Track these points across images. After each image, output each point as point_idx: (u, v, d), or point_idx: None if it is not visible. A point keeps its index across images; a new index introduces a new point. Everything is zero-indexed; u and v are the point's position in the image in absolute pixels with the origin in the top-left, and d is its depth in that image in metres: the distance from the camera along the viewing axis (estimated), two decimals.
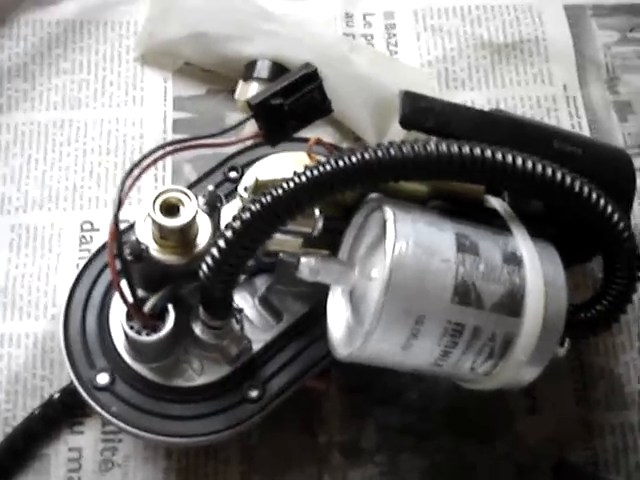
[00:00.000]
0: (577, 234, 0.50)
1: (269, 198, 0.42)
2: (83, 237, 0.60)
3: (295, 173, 0.42)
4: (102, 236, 0.58)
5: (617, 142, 0.65)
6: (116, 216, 0.43)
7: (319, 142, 0.51)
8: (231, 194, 0.55)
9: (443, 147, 0.43)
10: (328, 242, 0.49)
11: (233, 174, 0.56)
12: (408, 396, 0.56)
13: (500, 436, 0.56)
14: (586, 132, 0.65)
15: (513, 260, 0.45)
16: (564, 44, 0.69)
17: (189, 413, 0.49)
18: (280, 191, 0.42)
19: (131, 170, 0.44)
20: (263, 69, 0.61)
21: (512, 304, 0.44)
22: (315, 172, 0.42)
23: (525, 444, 0.55)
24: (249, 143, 0.56)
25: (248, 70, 0.61)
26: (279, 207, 0.42)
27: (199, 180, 0.56)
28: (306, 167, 0.42)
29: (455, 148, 0.43)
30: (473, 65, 0.68)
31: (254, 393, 0.50)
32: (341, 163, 0.42)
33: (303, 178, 0.42)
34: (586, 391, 0.57)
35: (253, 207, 0.42)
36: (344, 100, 0.62)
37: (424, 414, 0.55)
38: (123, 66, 0.66)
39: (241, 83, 0.61)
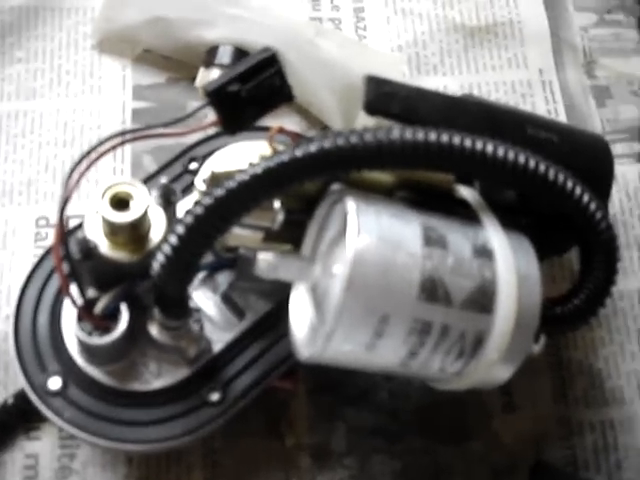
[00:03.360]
0: (552, 225, 0.48)
1: (222, 191, 0.39)
2: (38, 234, 0.57)
3: (250, 164, 0.40)
4: None
5: (595, 128, 0.63)
6: (61, 214, 0.41)
7: (282, 131, 0.48)
8: (191, 186, 0.52)
9: (407, 134, 0.40)
10: (291, 236, 0.46)
11: (193, 165, 0.54)
12: (379, 396, 0.54)
13: (475, 436, 0.54)
14: (563, 118, 0.63)
15: (484, 253, 0.42)
16: (540, 27, 0.67)
17: (146, 418, 0.47)
18: (234, 184, 0.39)
19: (78, 162, 0.42)
20: (225, 55, 0.59)
21: (483, 300, 0.42)
22: (271, 163, 0.40)
23: (501, 444, 0.53)
24: (211, 132, 0.54)
25: (209, 56, 0.59)
26: (233, 201, 0.40)
27: (157, 172, 0.54)
28: (262, 158, 0.40)
29: (420, 135, 0.41)
30: (445, 49, 0.65)
31: (215, 396, 0.47)
32: (298, 153, 0.40)
33: (258, 170, 0.39)
34: (564, 388, 0.55)
35: (206, 201, 0.40)
36: (311, 87, 0.60)
37: (396, 414, 0.53)
38: (80, 54, 0.63)
39: (202, 70, 0.59)
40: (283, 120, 0.55)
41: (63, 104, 0.61)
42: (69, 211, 0.43)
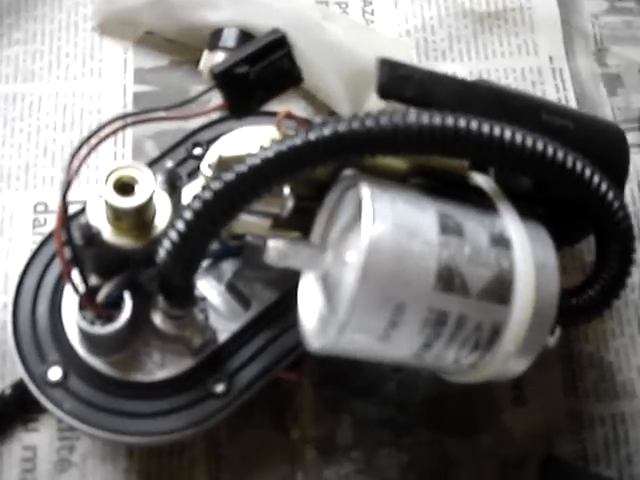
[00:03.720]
0: (568, 214, 0.47)
1: (232, 175, 0.38)
2: (36, 219, 0.56)
3: (261, 148, 0.39)
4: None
5: (606, 116, 0.62)
6: (64, 199, 0.40)
7: (289, 116, 0.47)
8: (195, 172, 0.51)
9: (424, 118, 0.39)
10: (300, 223, 0.45)
11: (197, 150, 0.53)
12: (386, 387, 0.53)
13: (484, 429, 0.53)
14: (573, 106, 0.62)
15: (501, 242, 0.41)
16: (550, 13, 0.65)
17: (149, 410, 0.45)
18: (244, 168, 0.38)
19: (80, 147, 0.41)
20: (230, 38, 0.57)
21: (500, 290, 0.40)
22: (283, 147, 0.38)
23: (511, 437, 0.52)
24: (215, 116, 0.53)
25: (214, 39, 0.58)
26: (243, 185, 0.38)
27: (160, 157, 0.53)
28: (273, 141, 0.39)
29: (437, 119, 0.39)
30: (454, 35, 0.64)
31: (220, 387, 0.46)
32: (312, 136, 0.38)
33: (269, 153, 0.38)
34: (575, 381, 0.54)
35: (215, 186, 0.38)
36: (317, 71, 0.58)
37: (403, 406, 0.52)
38: (80, 36, 0.62)
39: (206, 53, 0.58)
40: (289, 105, 0.54)
41: (62, 87, 0.60)
42: (69, 196, 0.41)
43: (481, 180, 0.45)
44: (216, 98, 0.44)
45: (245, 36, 0.57)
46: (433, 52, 0.64)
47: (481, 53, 0.64)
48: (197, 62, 0.58)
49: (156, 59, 0.61)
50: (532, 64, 0.64)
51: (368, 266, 0.38)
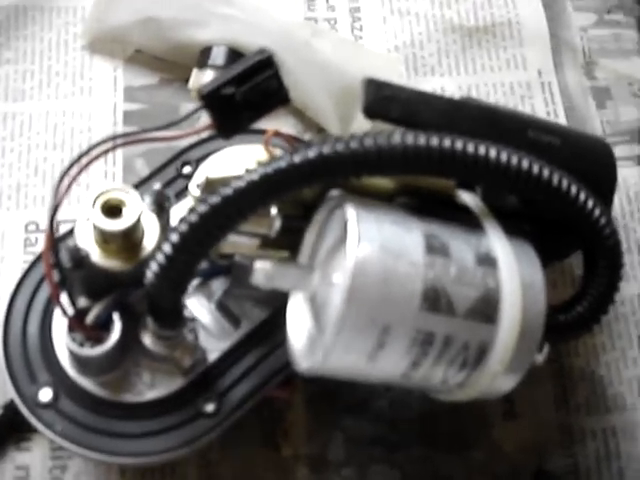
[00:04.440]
0: (555, 231, 0.47)
1: (218, 198, 0.38)
2: (28, 239, 0.56)
3: (246, 170, 0.39)
4: None
5: (595, 130, 0.62)
6: (51, 222, 0.40)
7: (278, 134, 0.47)
8: (184, 191, 0.51)
9: (409, 139, 0.39)
10: (288, 243, 0.45)
11: (186, 169, 0.53)
12: (378, 404, 0.53)
13: (475, 444, 0.53)
14: (562, 120, 0.62)
15: (487, 261, 0.41)
16: (538, 27, 0.66)
17: (140, 430, 0.45)
18: (229, 191, 0.38)
19: (69, 168, 0.41)
20: (219, 56, 0.58)
21: (486, 310, 0.40)
22: (268, 169, 0.38)
23: (502, 452, 0.53)
24: (204, 135, 0.53)
25: (203, 57, 0.58)
26: (229, 208, 0.38)
27: (150, 176, 0.53)
28: (259, 164, 0.39)
29: (422, 140, 0.39)
30: (443, 50, 0.64)
31: (210, 407, 0.46)
32: (296, 159, 0.38)
33: (255, 176, 0.38)
34: (566, 395, 0.54)
35: (201, 208, 0.38)
36: (306, 89, 0.58)
37: (395, 423, 0.52)
38: (70, 55, 0.62)
39: (195, 71, 0.58)
40: (278, 122, 0.54)
41: (53, 106, 0.60)
42: (59, 216, 0.41)
43: (468, 199, 0.45)
44: (205, 117, 0.45)
45: (234, 54, 0.57)
46: (422, 67, 0.64)
47: (470, 68, 0.64)
48: (187, 80, 0.59)
49: (146, 77, 0.61)
50: (521, 78, 0.64)
51: (354, 288, 0.38)
